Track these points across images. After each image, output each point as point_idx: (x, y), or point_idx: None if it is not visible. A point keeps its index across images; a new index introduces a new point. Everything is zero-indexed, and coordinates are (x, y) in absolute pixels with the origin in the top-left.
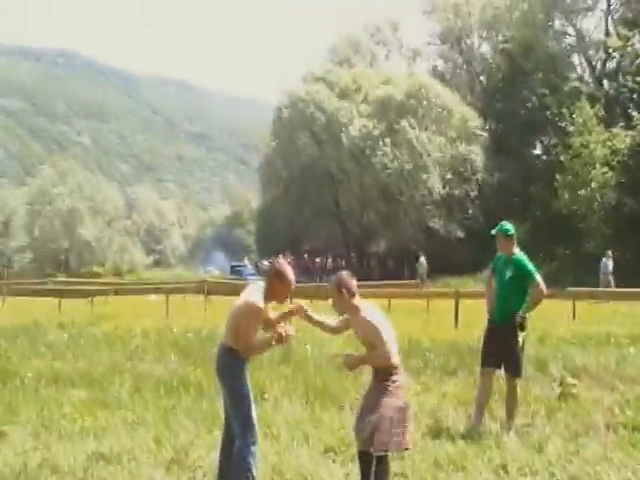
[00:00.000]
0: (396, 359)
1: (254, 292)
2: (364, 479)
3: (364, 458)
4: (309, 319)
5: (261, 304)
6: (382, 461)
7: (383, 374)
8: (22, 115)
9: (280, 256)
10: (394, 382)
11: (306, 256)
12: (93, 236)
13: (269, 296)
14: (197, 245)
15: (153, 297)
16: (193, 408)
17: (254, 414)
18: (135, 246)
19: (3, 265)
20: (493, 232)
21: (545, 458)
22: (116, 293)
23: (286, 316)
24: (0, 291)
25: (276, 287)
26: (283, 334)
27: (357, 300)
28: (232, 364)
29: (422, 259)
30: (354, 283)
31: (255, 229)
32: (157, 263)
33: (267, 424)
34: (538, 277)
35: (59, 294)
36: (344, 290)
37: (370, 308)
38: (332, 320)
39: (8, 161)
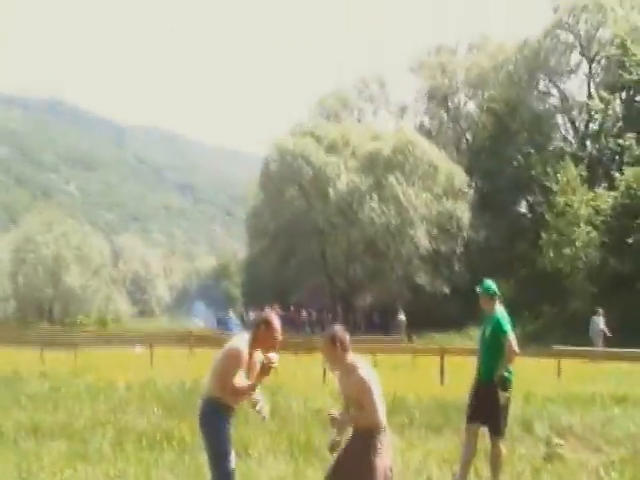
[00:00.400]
0: (384, 419)
1: (238, 340)
2: None
3: None
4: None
5: (242, 349)
6: None
7: (370, 433)
8: (8, 162)
9: (267, 308)
10: (382, 442)
11: (292, 308)
12: (78, 285)
13: (255, 344)
14: (182, 295)
15: (137, 348)
16: (176, 463)
17: (233, 470)
18: (120, 295)
19: None
20: (477, 290)
21: None
22: (101, 344)
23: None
24: None
25: (262, 335)
26: (266, 363)
27: (351, 356)
28: (214, 417)
29: (401, 316)
30: (348, 338)
31: (241, 281)
32: (142, 313)
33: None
34: (510, 336)
35: (42, 344)
36: (338, 344)
37: (364, 365)
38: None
39: None
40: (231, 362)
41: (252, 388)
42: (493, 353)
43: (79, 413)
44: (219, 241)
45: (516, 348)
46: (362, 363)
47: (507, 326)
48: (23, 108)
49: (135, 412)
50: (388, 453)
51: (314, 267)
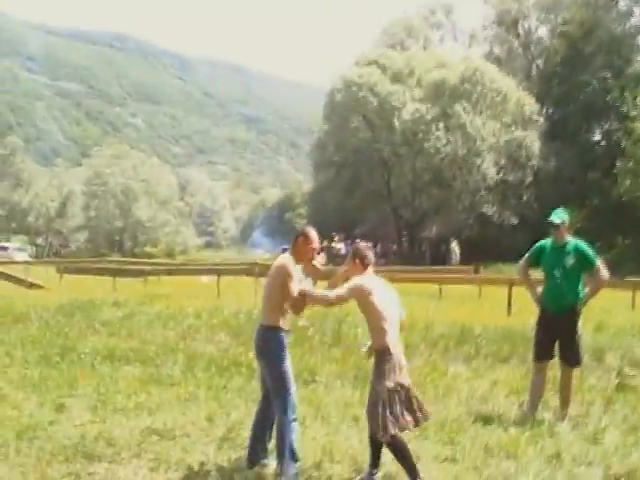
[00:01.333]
0: (391, 340)
1: (280, 258)
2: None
3: (385, 445)
4: (312, 298)
5: (287, 262)
6: (395, 442)
7: (378, 357)
8: (78, 97)
9: (336, 238)
10: (386, 366)
11: (359, 241)
12: (147, 217)
13: (294, 257)
14: (248, 227)
15: (205, 278)
16: (244, 388)
17: (294, 390)
18: (187, 227)
19: (60, 244)
20: (557, 221)
21: (601, 449)
22: (169, 273)
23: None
24: (58, 269)
25: (300, 248)
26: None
27: (368, 272)
28: (271, 342)
29: (453, 246)
30: (370, 255)
31: (306, 212)
32: (208, 245)
33: (318, 406)
34: (600, 263)
35: (114, 273)
36: (357, 260)
37: (372, 279)
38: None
39: (65, 142)
40: (277, 277)
41: (303, 299)
42: (574, 283)
43: (151, 339)
44: (284, 173)
45: (607, 275)
46: (373, 278)
47: (594, 254)
48: (91, 43)
49: (204, 339)
50: (391, 375)
51: (379, 198)
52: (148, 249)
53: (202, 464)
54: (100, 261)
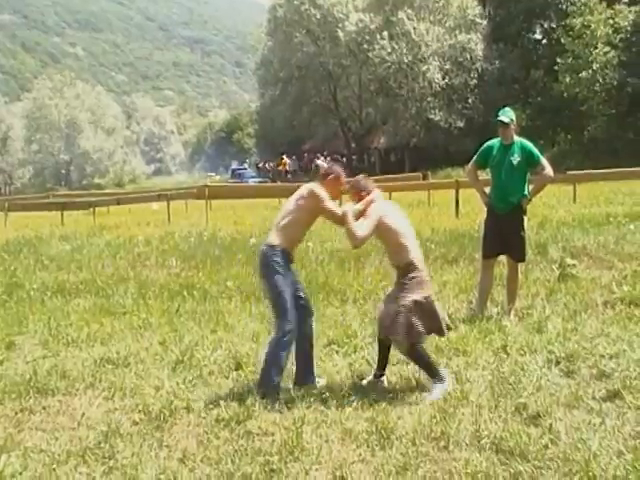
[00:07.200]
0: (415, 255)
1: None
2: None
3: (405, 353)
4: (347, 227)
5: (317, 187)
6: (416, 348)
7: (402, 271)
8: (13, 28)
9: (284, 156)
10: (412, 278)
11: (306, 155)
12: (93, 147)
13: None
14: (197, 151)
15: (155, 205)
16: (197, 310)
17: (291, 308)
18: (135, 156)
19: (4, 182)
20: (505, 120)
21: (544, 337)
22: (118, 203)
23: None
24: (2, 207)
25: (331, 185)
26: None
27: (377, 195)
28: (273, 260)
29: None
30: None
31: (254, 131)
32: (158, 171)
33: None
34: (545, 161)
35: (61, 207)
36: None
37: (381, 203)
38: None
39: (1, 77)
40: (313, 200)
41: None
42: (522, 181)
43: (101, 270)
44: (231, 93)
45: (551, 172)
46: (384, 203)
47: (538, 152)
48: None
49: (155, 265)
50: (417, 288)
51: (327, 112)
52: (96, 180)
53: (157, 388)
54: (47, 196)
